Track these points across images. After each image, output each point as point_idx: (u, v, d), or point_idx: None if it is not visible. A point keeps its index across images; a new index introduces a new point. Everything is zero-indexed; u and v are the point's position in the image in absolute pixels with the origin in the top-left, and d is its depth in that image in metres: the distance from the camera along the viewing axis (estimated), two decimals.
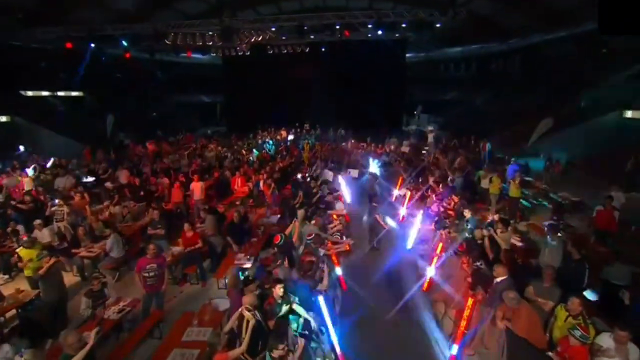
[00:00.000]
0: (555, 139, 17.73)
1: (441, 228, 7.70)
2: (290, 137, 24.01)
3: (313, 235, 6.87)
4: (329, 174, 13.92)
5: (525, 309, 4.51)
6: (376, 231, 9.15)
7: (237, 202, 12.60)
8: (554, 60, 24.48)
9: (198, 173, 13.33)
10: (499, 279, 5.12)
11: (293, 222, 7.66)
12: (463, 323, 5.34)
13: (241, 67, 27.44)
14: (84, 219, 9.76)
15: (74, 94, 26.10)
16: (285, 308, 4.85)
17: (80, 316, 6.05)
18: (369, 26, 20.62)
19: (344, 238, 8.22)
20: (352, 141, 20.75)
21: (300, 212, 8.07)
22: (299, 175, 13.62)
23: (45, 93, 24.44)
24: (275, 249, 6.69)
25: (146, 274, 6.26)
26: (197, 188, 11.68)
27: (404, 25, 20.11)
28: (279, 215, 10.38)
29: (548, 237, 6.47)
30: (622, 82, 17.86)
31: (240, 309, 4.41)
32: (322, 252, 6.90)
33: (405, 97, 30.35)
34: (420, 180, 12.29)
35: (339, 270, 7.09)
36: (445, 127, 27.89)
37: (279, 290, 4.83)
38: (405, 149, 18.14)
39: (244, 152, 19.59)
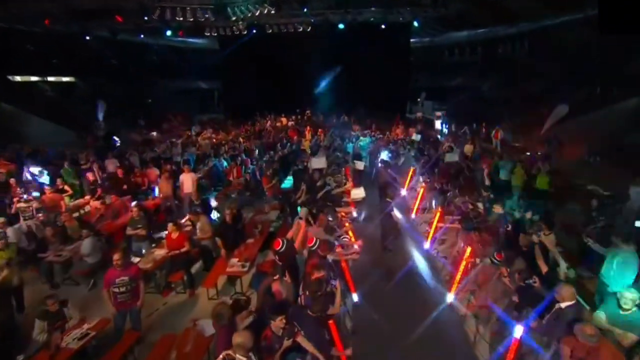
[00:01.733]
0: (570, 127, 16.53)
1: (471, 229, 6.51)
2: (291, 123, 22.79)
3: (316, 240, 5.71)
4: (319, 162, 11.26)
5: (607, 350, 3.38)
6: (390, 230, 8.03)
7: (233, 195, 11.54)
8: (566, 44, 23.20)
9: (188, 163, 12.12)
10: (563, 305, 3.96)
11: (296, 222, 6.49)
12: (511, 356, 4.26)
13: (239, 51, 26.15)
14: (57, 215, 8.59)
15: (65, 79, 24.81)
16: (287, 342, 3.74)
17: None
18: (373, 9, 19.33)
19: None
20: (357, 128, 19.50)
21: (304, 211, 6.89)
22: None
23: (34, 78, 23.08)
24: (276, 256, 5.53)
25: (116, 289, 5.14)
26: (187, 180, 10.45)
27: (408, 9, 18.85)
28: (278, 212, 9.26)
29: (619, 245, 5.13)
30: None
31: (224, 355, 3.30)
32: (330, 258, 5.78)
33: (409, 84, 29.23)
34: (435, 171, 11.12)
35: (349, 279, 5.99)
36: (451, 114, 26.75)
37: (279, 322, 3.68)
38: (416, 137, 16.89)
39: (241, 140, 18.38)
